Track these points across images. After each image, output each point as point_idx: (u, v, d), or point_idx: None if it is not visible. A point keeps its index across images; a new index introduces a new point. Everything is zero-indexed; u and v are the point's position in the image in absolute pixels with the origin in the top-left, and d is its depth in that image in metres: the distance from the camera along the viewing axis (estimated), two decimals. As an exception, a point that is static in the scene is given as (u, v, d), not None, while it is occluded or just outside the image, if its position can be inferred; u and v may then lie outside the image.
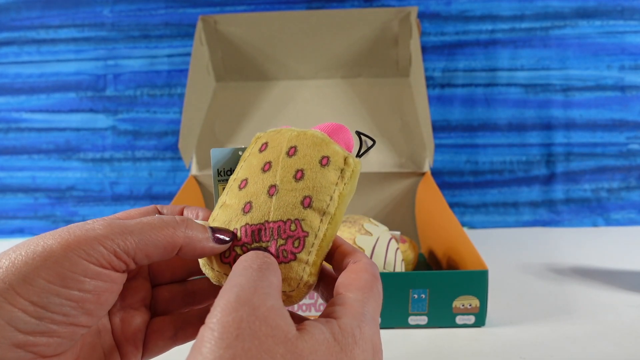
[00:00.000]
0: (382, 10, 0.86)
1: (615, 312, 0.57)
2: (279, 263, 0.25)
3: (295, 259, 0.25)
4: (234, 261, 0.26)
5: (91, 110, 0.99)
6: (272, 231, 0.26)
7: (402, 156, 0.86)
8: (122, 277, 0.24)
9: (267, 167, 0.28)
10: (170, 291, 0.30)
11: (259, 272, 0.22)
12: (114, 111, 0.99)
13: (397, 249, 0.59)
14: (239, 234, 0.26)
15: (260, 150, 0.29)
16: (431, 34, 0.96)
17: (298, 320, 0.23)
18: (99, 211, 0.99)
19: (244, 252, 0.26)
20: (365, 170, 0.85)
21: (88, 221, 0.24)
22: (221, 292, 0.21)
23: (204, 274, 0.28)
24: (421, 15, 0.94)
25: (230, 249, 0.26)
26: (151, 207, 0.30)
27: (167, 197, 0.99)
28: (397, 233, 0.64)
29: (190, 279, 0.32)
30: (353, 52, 0.89)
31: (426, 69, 0.94)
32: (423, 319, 0.54)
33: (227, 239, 0.26)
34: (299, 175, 0.27)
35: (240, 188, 0.28)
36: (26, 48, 0.98)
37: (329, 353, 0.20)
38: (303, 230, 0.26)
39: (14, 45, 0.98)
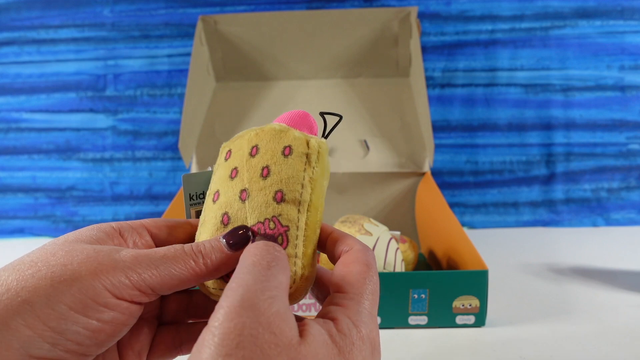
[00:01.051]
0: (382, 10, 0.86)
1: (615, 312, 0.57)
2: None
3: None
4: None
5: (91, 110, 0.99)
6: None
7: (402, 156, 0.86)
8: (139, 310, 0.24)
9: (234, 173, 0.27)
10: (178, 303, 0.30)
11: (268, 271, 0.21)
12: (114, 111, 0.99)
13: (397, 249, 0.59)
14: None
15: (226, 159, 0.28)
16: (431, 34, 0.96)
17: (297, 319, 0.22)
18: (99, 211, 0.99)
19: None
20: (365, 170, 0.85)
21: (115, 247, 0.24)
22: (226, 290, 0.20)
23: None
24: (421, 15, 0.94)
25: None
26: (184, 220, 0.29)
27: (167, 197, 0.99)
28: (397, 233, 0.64)
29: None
30: (353, 52, 0.89)
31: (426, 69, 0.94)
32: (423, 319, 0.54)
33: (244, 238, 0.25)
34: (265, 173, 0.26)
35: (214, 201, 0.27)
36: (26, 48, 0.98)
37: (328, 356, 0.20)
38: (282, 226, 0.25)
39: (14, 45, 0.98)
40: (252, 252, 0.23)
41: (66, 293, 0.21)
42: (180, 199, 0.75)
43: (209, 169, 0.31)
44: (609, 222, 0.94)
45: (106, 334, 0.22)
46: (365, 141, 0.87)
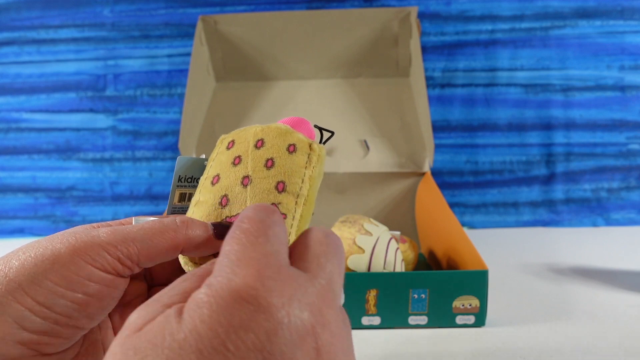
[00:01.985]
0: (382, 10, 0.86)
1: (615, 312, 0.57)
2: None
3: None
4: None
5: (91, 110, 0.99)
6: None
7: (402, 156, 0.86)
8: (124, 282, 0.25)
9: (237, 161, 0.28)
10: (166, 265, 0.31)
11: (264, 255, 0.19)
12: (114, 111, 0.99)
13: (397, 249, 0.59)
14: None
15: (228, 148, 0.30)
16: (431, 34, 0.96)
17: None
18: (99, 211, 0.99)
19: None
20: (365, 170, 0.85)
21: (93, 225, 0.25)
22: (216, 270, 0.18)
23: None
24: (421, 15, 0.94)
25: None
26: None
27: (167, 197, 0.99)
28: (397, 233, 0.64)
29: None
30: (353, 52, 0.89)
31: (426, 69, 0.94)
32: (423, 319, 0.54)
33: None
34: (269, 164, 0.28)
35: (212, 184, 0.29)
36: (26, 48, 0.98)
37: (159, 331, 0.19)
38: (281, 213, 0.26)
39: (14, 45, 0.98)
40: (240, 226, 0.21)
41: (49, 270, 0.22)
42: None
43: (203, 156, 0.32)
44: (609, 222, 0.94)
45: (94, 306, 0.23)
46: (365, 141, 0.87)
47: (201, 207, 0.28)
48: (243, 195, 0.27)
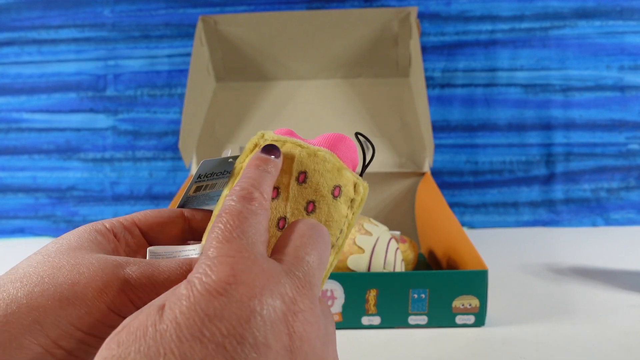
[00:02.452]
0: (382, 10, 0.86)
1: (615, 312, 0.57)
2: None
3: None
4: None
5: (91, 111, 0.99)
6: None
7: (402, 156, 0.86)
8: None
9: (274, 193, 0.26)
10: None
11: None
12: (114, 111, 0.99)
13: (397, 249, 0.59)
14: None
15: (260, 159, 0.27)
16: (431, 34, 0.96)
17: None
18: (99, 211, 0.99)
19: None
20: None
21: (119, 262, 0.23)
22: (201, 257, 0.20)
23: None
24: (421, 16, 0.94)
25: None
26: (178, 211, 0.29)
27: (167, 197, 0.99)
28: (397, 233, 0.64)
29: None
30: (353, 52, 0.89)
31: (426, 69, 0.95)
32: (423, 319, 0.54)
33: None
34: (310, 208, 0.25)
35: None
36: (27, 48, 0.99)
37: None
38: None
39: (14, 46, 0.98)
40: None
41: (74, 315, 0.21)
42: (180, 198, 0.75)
43: (228, 152, 0.30)
44: (609, 222, 0.94)
45: None
46: (364, 137, 0.87)
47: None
48: (276, 239, 0.25)
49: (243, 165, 0.27)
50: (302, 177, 0.25)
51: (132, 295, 0.22)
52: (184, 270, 0.23)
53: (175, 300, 0.18)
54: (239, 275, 0.18)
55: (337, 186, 0.26)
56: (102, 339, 0.21)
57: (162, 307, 0.18)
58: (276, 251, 0.22)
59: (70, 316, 0.21)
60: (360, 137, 0.28)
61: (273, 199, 0.26)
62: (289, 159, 0.26)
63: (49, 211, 0.99)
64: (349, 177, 0.26)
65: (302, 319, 0.19)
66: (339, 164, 0.26)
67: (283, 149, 0.26)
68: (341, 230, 0.26)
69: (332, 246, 0.25)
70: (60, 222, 0.99)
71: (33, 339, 0.21)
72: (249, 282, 0.18)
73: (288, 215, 0.25)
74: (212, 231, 0.20)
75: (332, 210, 0.25)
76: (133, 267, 0.23)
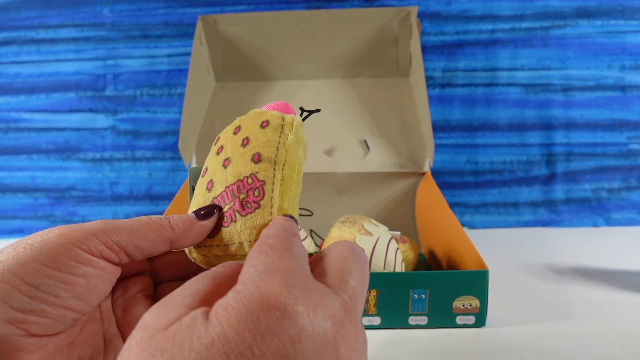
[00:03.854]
0: (382, 10, 0.86)
1: (616, 312, 0.57)
2: (245, 215, 0.27)
3: (259, 206, 0.27)
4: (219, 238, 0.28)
5: (91, 110, 0.99)
6: (232, 191, 0.28)
7: (402, 156, 0.86)
8: (114, 269, 0.26)
9: (219, 150, 0.30)
10: (173, 287, 0.30)
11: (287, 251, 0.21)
12: (113, 111, 0.99)
13: (397, 249, 0.59)
14: None
15: (215, 144, 0.32)
16: (431, 34, 0.96)
17: None
18: (99, 211, 0.99)
19: (224, 225, 0.28)
20: (365, 170, 0.85)
21: (81, 223, 0.26)
22: (239, 285, 0.19)
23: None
24: (421, 15, 0.94)
25: (215, 229, 0.28)
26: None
27: (167, 197, 0.99)
28: (397, 233, 0.64)
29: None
30: (353, 52, 0.89)
31: (426, 69, 0.94)
32: (423, 319, 0.53)
33: (211, 211, 0.28)
34: (245, 142, 0.29)
35: (202, 176, 0.31)
36: (26, 48, 0.98)
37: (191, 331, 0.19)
38: (259, 180, 0.27)
39: (13, 45, 0.98)
40: (260, 243, 0.22)
41: (37, 252, 0.23)
42: (179, 198, 0.75)
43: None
44: (610, 222, 0.94)
45: (82, 286, 0.24)
46: (365, 141, 0.87)
47: (195, 199, 0.30)
48: (224, 175, 0.29)
49: (226, 145, 0.30)
50: (237, 130, 0.30)
51: (96, 232, 0.24)
52: (145, 218, 0.26)
53: (223, 312, 0.17)
54: (293, 290, 0.18)
55: (264, 121, 0.29)
56: (74, 276, 0.23)
57: (206, 316, 0.17)
58: (320, 273, 0.21)
59: (35, 254, 0.23)
60: (303, 111, 0.32)
61: (219, 154, 0.30)
62: (229, 126, 0.32)
63: (48, 211, 0.99)
64: (274, 114, 0.30)
65: (348, 345, 0.18)
66: (265, 110, 0.31)
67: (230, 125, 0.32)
68: (277, 148, 0.28)
69: (275, 162, 0.28)
70: (60, 222, 0.99)
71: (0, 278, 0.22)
72: (303, 299, 0.17)
73: (229, 155, 0.29)
74: (259, 249, 0.20)
75: (262, 135, 0.29)
76: (94, 222, 0.25)
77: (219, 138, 0.32)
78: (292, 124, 0.30)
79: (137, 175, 0.99)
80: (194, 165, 0.86)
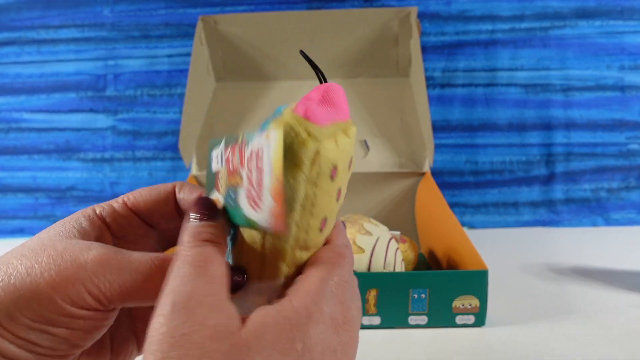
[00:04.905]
0: (382, 10, 0.86)
1: (615, 312, 0.57)
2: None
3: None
4: None
5: (91, 110, 0.99)
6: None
7: (402, 156, 0.86)
8: (108, 314, 0.23)
9: (338, 195, 0.25)
10: None
11: (198, 269, 0.20)
12: (114, 111, 0.99)
13: (397, 249, 0.59)
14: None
15: (332, 178, 0.24)
16: (431, 34, 0.96)
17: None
18: (99, 211, 0.99)
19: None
20: (365, 170, 0.85)
21: (83, 246, 0.23)
22: (159, 298, 0.20)
23: None
24: (421, 15, 0.94)
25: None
26: (170, 185, 0.28)
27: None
28: (397, 233, 0.64)
29: None
30: (353, 52, 0.89)
31: (426, 69, 0.94)
32: (423, 319, 0.54)
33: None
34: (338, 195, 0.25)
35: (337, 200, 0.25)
36: (26, 48, 0.98)
37: (278, 333, 0.19)
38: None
39: (14, 45, 0.98)
40: (180, 255, 0.21)
41: (27, 308, 0.21)
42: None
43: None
44: (609, 222, 0.94)
45: (80, 338, 0.22)
46: (365, 141, 0.87)
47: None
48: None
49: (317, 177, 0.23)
50: (334, 173, 0.23)
51: (89, 284, 0.21)
52: (157, 265, 0.23)
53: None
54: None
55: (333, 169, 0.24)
56: (69, 329, 0.22)
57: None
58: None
59: (24, 309, 0.21)
60: (303, 56, 0.27)
61: (337, 199, 0.25)
62: (347, 155, 0.24)
63: (48, 211, 0.99)
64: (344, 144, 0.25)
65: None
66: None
67: (338, 146, 0.24)
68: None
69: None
70: (60, 222, 0.99)
71: None
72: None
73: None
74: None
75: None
76: (94, 252, 0.22)
77: (335, 169, 0.24)
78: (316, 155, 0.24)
79: (137, 175, 0.99)
80: (194, 165, 0.86)
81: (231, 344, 0.18)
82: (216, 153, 0.24)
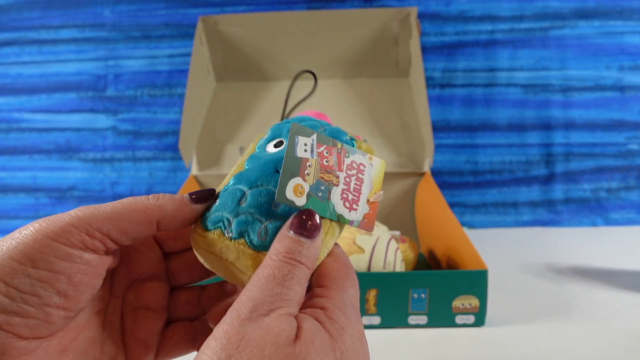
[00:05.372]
0: (382, 11, 0.86)
1: (615, 312, 0.57)
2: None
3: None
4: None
5: (92, 111, 0.99)
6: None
7: (402, 156, 0.86)
8: (100, 260, 0.24)
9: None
10: (189, 294, 0.30)
11: (281, 285, 0.22)
12: (114, 111, 0.99)
13: (397, 249, 0.59)
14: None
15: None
16: (431, 34, 0.96)
17: None
18: (100, 211, 0.99)
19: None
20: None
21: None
22: (236, 303, 0.21)
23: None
24: (421, 16, 0.94)
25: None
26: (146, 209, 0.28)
27: (168, 197, 0.99)
28: (397, 233, 0.64)
29: (206, 280, 0.30)
30: (353, 52, 0.89)
31: (426, 69, 0.95)
32: (423, 319, 0.54)
33: (205, 196, 0.26)
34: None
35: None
36: (27, 48, 0.99)
37: (322, 343, 0.21)
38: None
39: (15, 46, 0.99)
40: (269, 264, 0.23)
41: (14, 250, 0.22)
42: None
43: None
44: (608, 222, 0.94)
45: (64, 283, 0.22)
46: (365, 141, 0.87)
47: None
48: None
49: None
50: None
51: (73, 220, 0.23)
52: (128, 200, 0.25)
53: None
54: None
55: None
56: (53, 273, 0.22)
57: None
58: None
59: (11, 252, 0.21)
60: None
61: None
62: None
63: (49, 211, 0.99)
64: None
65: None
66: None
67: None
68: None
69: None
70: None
71: None
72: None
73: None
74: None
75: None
76: (74, 209, 0.24)
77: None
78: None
79: (137, 175, 0.99)
80: (194, 165, 0.86)
81: (288, 353, 0.20)
82: (305, 141, 0.26)
